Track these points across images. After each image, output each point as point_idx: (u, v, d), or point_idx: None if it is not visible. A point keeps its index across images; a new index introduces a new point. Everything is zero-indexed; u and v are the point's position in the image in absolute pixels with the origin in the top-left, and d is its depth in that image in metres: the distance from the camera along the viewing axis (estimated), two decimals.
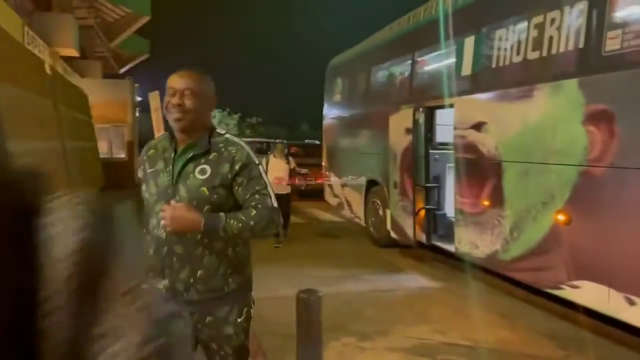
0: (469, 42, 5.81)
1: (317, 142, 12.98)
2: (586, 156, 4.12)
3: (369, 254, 7.74)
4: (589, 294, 4.13)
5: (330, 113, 10.86)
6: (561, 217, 4.40)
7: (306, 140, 20.87)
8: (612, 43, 3.87)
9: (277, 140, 10.66)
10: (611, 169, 3.89)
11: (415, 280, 6.28)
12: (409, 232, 7.06)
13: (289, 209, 8.10)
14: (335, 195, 10.22)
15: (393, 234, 7.58)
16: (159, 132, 8.86)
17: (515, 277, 5.15)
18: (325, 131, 11.18)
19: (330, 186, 10.57)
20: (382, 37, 8.69)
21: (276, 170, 7.92)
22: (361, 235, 8.70)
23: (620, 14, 3.89)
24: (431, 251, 7.10)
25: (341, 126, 10.21)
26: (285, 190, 7.98)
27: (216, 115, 36.74)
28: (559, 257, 4.44)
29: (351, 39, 10.37)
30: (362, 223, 8.75)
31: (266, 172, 2.15)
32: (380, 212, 8.02)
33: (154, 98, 9.83)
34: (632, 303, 3.73)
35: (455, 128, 6.05)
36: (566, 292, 4.39)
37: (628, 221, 3.77)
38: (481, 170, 5.53)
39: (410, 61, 7.41)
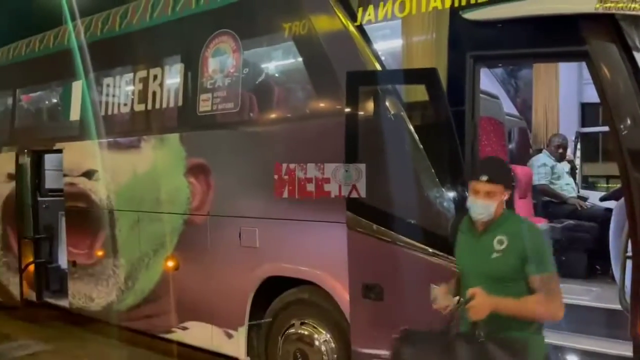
0: (77, 85, 5.58)
1: None
2: (189, 205, 4.45)
3: None
4: (196, 333, 4.43)
5: None
6: (170, 264, 4.61)
7: None
8: (204, 105, 4.34)
9: None
10: (209, 216, 4.32)
11: (23, 348, 5.49)
12: (15, 291, 6.18)
13: None
14: None
15: None
16: None
17: (132, 326, 5.11)
18: None
19: None
20: None
21: None
22: None
23: (210, 80, 4.39)
24: (47, 309, 6.36)
25: None
26: None
27: None
28: (170, 302, 4.62)
29: None
30: None
31: None
32: None
33: None
34: (230, 336, 4.18)
35: (65, 175, 5.67)
36: (177, 335, 4.59)
37: (224, 263, 4.23)
38: (93, 219, 5.32)
39: (11, 97, 6.59)
